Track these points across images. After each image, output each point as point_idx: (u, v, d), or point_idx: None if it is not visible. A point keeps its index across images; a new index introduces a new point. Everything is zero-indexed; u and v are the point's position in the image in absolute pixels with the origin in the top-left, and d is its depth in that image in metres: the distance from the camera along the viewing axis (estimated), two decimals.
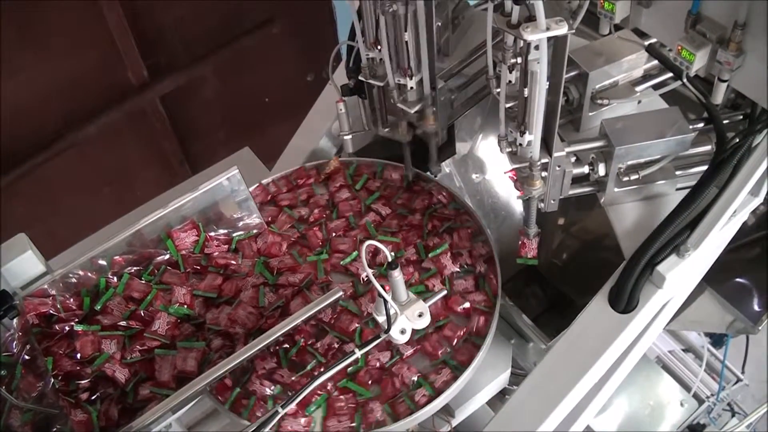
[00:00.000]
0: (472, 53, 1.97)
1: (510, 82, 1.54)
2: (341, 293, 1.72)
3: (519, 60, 1.42)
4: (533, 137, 1.51)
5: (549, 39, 1.31)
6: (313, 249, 1.95)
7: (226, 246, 1.92)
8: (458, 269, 1.87)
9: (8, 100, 3.39)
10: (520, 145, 1.55)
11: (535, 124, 1.48)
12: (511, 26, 1.32)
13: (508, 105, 1.56)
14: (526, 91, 1.44)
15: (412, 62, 1.68)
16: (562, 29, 1.27)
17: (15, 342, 1.69)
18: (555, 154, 1.60)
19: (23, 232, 1.77)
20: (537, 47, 1.33)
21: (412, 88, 1.74)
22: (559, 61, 1.43)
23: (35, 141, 3.63)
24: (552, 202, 1.75)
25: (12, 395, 1.56)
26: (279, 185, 2.13)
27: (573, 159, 1.73)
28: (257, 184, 2.10)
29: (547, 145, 1.59)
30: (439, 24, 1.95)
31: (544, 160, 1.60)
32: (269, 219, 2.02)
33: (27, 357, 1.66)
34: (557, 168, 1.65)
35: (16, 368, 1.65)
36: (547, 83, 1.43)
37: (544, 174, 1.65)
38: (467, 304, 1.81)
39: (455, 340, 1.76)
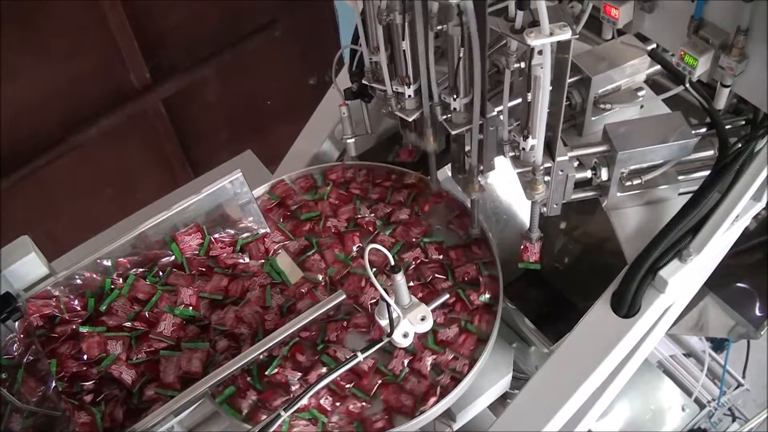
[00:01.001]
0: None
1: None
2: (344, 296, 1.72)
3: (522, 65, 1.42)
4: (536, 142, 1.52)
5: (552, 44, 1.32)
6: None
7: (231, 248, 1.92)
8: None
9: (10, 102, 3.39)
10: (523, 149, 1.55)
11: (538, 129, 1.48)
12: (514, 31, 1.32)
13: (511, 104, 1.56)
14: (529, 96, 1.44)
15: (410, 70, 1.69)
16: (566, 34, 1.27)
17: (16, 345, 1.69)
18: (558, 159, 1.60)
19: (25, 233, 1.78)
20: (540, 52, 1.33)
21: (410, 96, 1.74)
22: (562, 66, 1.43)
23: (37, 143, 3.64)
24: (555, 206, 1.75)
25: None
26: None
27: (576, 163, 1.73)
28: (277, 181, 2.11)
29: (550, 150, 1.59)
30: (441, 28, 1.96)
31: (547, 165, 1.60)
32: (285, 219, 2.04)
33: (30, 358, 1.66)
34: (560, 172, 1.65)
35: (18, 372, 1.65)
36: (551, 87, 1.43)
37: (546, 178, 1.65)
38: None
39: None
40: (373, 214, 1.99)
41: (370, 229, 1.97)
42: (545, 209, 1.77)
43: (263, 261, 1.92)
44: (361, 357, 1.57)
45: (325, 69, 4.29)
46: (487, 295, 1.80)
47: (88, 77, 3.64)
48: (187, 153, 4.29)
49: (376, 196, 2.06)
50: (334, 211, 2.01)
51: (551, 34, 1.27)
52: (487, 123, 1.58)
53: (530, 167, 1.58)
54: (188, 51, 3.93)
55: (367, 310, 1.81)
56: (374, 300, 1.81)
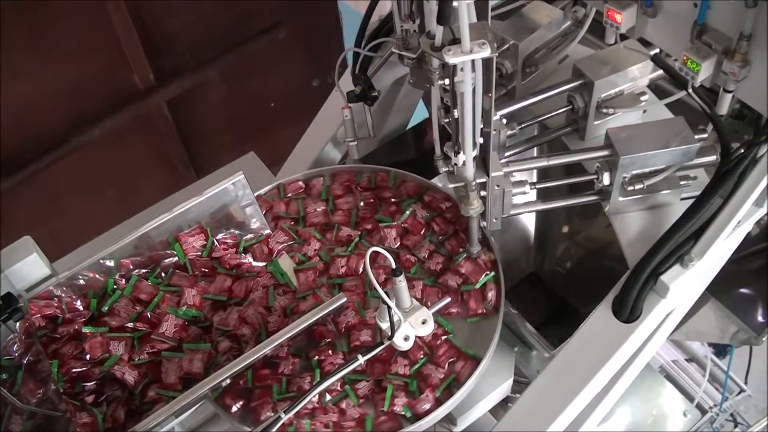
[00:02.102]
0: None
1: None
2: (345, 299, 1.72)
3: (446, 82, 1.41)
4: (466, 157, 1.51)
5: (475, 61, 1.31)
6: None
7: (234, 249, 1.92)
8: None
9: (14, 102, 3.40)
10: (455, 164, 1.55)
11: (467, 145, 1.48)
12: (434, 48, 1.32)
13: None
14: (456, 113, 1.43)
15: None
16: (485, 52, 1.27)
17: (16, 345, 1.70)
18: (492, 174, 1.59)
19: (27, 234, 1.78)
20: (462, 69, 1.33)
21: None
22: (488, 82, 1.41)
23: (41, 143, 3.64)
24: (494, 220, 1.75)
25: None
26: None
27: (513, 178, 1.72)
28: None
29: (484, 164, 1.59)
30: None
31: (481, 180, 1.60)
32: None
33: (30, 359, 1.66)
34: (496, 187, 1.64)
35: (18, 374, 1.65)
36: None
37: (483, 193, 1.65)
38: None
39: None
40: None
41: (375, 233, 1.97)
42: (485, 224, 1.77)
43: (267, 262, 1.92)
44: (361, 360, 1.57)
45: (329, 71, 4.33)
46: (489, 299, 1.79)
47: (92, 78, 3.64)
48: (191, 154, 4.29)
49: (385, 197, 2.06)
50: (335, 214, 2.01)
51: (470, 52, 1.27)
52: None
53: (463, 182, 1.58)
54: (192, 53, 3.93)
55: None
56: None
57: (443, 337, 1.75)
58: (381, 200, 2.04)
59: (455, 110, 1.43)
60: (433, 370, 1.69)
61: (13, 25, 3.23)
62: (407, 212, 1.94)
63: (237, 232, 1.94)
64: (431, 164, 1.89)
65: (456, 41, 1.28)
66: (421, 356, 1.72)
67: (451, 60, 1.27)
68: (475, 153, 1.52)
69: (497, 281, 1.82)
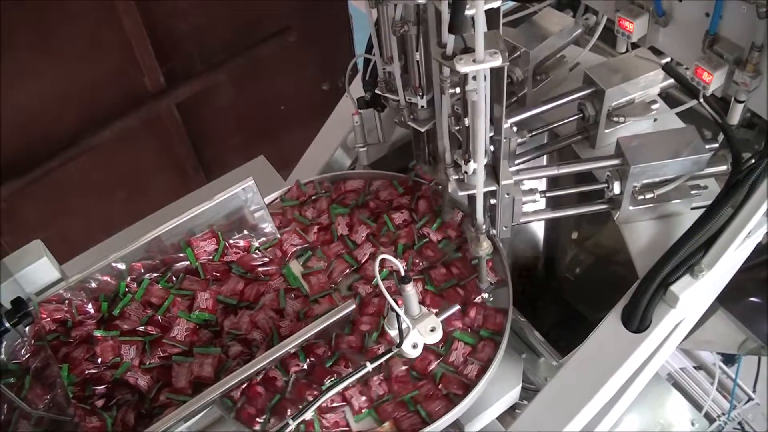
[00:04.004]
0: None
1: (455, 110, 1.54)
2: (354, 306, 1.72)
3: (458, 90, 1.41)
4: (477, 165, 1.51)
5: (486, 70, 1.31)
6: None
7: (246, 252, 1.93)
8: None
9: (25, 104, 3.41)
10: (466, 173, 1.55)
11: (478, 153, 1.48)
12: (445, 57, 1.32)
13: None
14: (467, 121, 1.43)
15: (423, 81, 1.69)
16: (496, 62, 1.27)
17: (24, 349, 1.70)
18: (503, 182, 1.60)
19: (36, 234, 1.79)
20: (474, 78, 1.33)
21: (423, 106, 1.74)
22: (499, 91, 1.42)
23: (51, 145, 3.65)
24: (504, 228, 1.75)
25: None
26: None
27: (524, 186, 1.72)
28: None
29: (495, 172, 1.59)
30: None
31: (492, 188, 1.60)
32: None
33: (39, 365, 1.66)
34: (506, 195, 1.64)
35: (25, 379, 1.66)
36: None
37: (492, 201, 1.66)
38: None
39: None
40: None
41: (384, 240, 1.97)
42: (494, 232, 1.77)
43: (280, 265, 1.93)
44: (369, 367, 1.57)
45: (339, 75, 4.33)
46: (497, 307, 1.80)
47: (103, 80, 3.65)
48: (200, 157, 4.30)
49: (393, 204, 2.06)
50: (347, 219, 2.02)
51: (482, 61, 1.27)
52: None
53: (474, 190, 1.58)
54: (202, 56, 3.94)
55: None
56: None
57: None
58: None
59: (466, 118, 1.43)
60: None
61: (24, 26, 3.24)
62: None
63: (249, 233, 1.94)
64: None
65: (468, 50, 1.28)
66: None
67: (463, 69, 1.27)
68: (485, 161, 1.52)
69: (506, 288, 1.82)
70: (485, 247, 1.65)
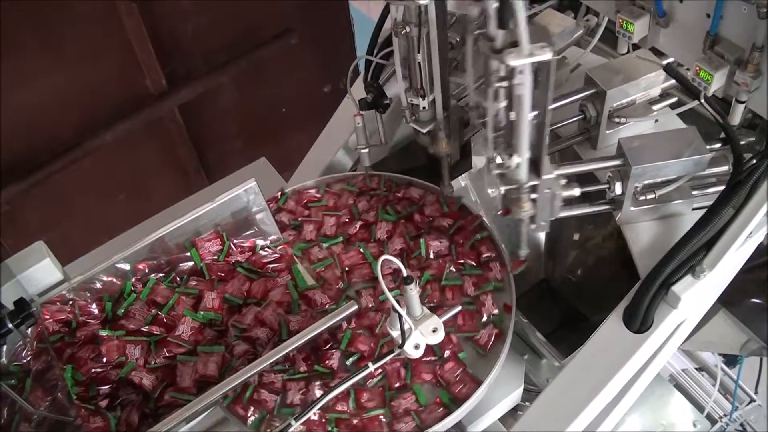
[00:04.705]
0: None
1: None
2: (356, 307, 1.72)
3: (505, 84, 1.41)
4: (521, 160, 1.51)
5: (533, 63, 1.31)
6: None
7: (250, 253, 1.94)
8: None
9: (26, 106, 3.42)
10: (508, 167, 1.55)
11: (522, 147, 1.48)
12: (495, 51, 1.32)
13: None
14: (512, 115, 1.43)
15: (425, 83, 1.69)
16: (546, 55, 1.27)
17: (26, 351, 1.71)
18: (544, 177, 1.59)
19: (38, 237, 1.79)
20: (521, 72, 1.33)
21: (425, 108, 1.74)
22: (544, 85, 1.42)
23: (53, 147, 3.66)
24: (542, 223, 1.75)
25: (21, 409, 1.57)
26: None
27: (563, 181, 1.72)
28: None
29: (536, 167, 1.59)
30: (458, 39, 1.96)
31: (533, 182, 1.59)
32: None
33: (40, 367, 1.66)
34: (546, 190, 1.64)
35: (26, 382, 1.66)
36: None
37: (533, 196, 1.65)
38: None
39: None
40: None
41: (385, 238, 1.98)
42: (533, 226, 1.77)
43: (290, 262, 1.94)
44: (372, 368, 1.57)
45: (340, 77, 4.34)
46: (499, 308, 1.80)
47: (105, 82, 3.66)
48: (202, 158, 4.31)
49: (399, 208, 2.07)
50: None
51: (531, 55, 1.27)
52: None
53: (516, 185, 1.59)
54: (204, 58, 3.95)
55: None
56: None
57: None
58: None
59: (511, 113, 1.43)
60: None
61: (26, 28, 3.25)
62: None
63: (252, 237, 1.95)
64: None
65: (516, 44, 1.28)
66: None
67: (512, 62, 1.28)
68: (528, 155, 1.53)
69: (508, 288, 1.83)
70: (527, 209, 1.63)
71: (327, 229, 2.02)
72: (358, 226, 2.02)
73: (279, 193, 2.11)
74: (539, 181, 1.58)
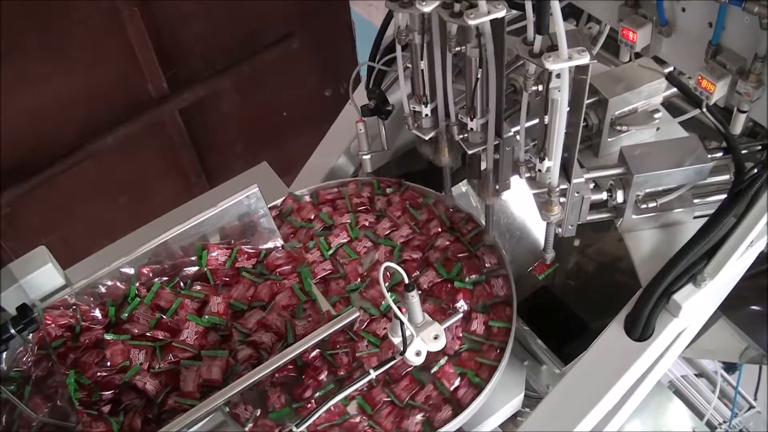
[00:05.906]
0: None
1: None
2: (358, 313, 1.73)
3: (540, 87, 1.43)
4: (553, 163, 1.52)
5: (570, 68, 1.32)
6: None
7: (255, 259, 1.94)
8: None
9: (29, 109, 3.43)
10: (539, 170, 1.56)
11: (555, 151, 1.49)
12: (533, 55, 1.33)
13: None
14: (546, 119, 1.44)
15: (427, 90, 1.70)
16: (584, 59, 1.28)
17: (26, 356, 1.70)
18: (574, 181, 1.60)
19: (39, 239, 1.79)
20: (558, 76, 1.34)
21: (426, 115, 1.75)
22: (580, 89, 1.43)
23: (54, 150, 3.66)
24: (570, 227, 1.76)
25: (20, 415, 1.56)
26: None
27: (591, 185, 1.74)
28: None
29: (566, 171, 1.60)
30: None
31: (563, 186, 1.60)
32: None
33: (40, 374, 1.66)
34: (576, 194, 1.65)
35: (25, 389, 1.65)
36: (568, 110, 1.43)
37: (562, 200, 1.65)
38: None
39: None
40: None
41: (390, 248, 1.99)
42: (560, 230, 1.78)
43: (297, 263, 1.94)
44: (373, 374, 1.58)
45: (341, 81, 4.34)
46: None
47: (106, 86, 3.67)
48: (203, 162, 4.31)
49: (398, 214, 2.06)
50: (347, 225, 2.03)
51: (569, 59, 1.28)
52: (503, 143, 1.58)
53: (546, 188, 1.59)
54: (206, 62, 3.96)
55: None
56: None
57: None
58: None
59: (545, 116, 1.44)
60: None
61: (28, 32, 3.26)
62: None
63: (256, 237, 1.95)
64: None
65: (554, 48, 1.29)
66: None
67: (551, 66, 1.29)
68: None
69: (509, 296, 1.83)
70: (556, 212, 1.64)
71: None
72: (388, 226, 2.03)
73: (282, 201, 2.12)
74: (569, 185, 1.59)
